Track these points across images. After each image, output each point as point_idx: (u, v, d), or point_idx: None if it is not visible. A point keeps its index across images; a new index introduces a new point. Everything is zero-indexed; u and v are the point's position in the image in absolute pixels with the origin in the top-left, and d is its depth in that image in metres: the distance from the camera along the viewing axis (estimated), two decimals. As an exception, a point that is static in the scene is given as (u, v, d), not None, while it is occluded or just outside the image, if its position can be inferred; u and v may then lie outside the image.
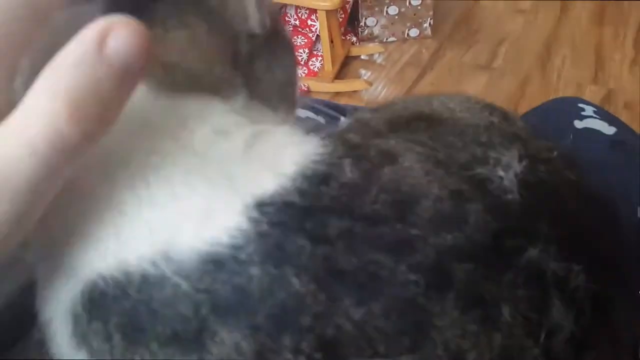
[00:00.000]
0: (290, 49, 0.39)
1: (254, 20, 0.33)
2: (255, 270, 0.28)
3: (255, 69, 0.34)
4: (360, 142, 0.35)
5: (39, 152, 0.22)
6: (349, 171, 0.31)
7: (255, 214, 0.28)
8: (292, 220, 0.29)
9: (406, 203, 0.31)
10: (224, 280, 0.28)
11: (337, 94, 2.21)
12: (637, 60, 2.27)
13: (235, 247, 0.28)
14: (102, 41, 0.22)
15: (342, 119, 0.80)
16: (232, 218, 0.28)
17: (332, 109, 0.89)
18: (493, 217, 0.31)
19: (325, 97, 2.15)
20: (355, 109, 0.87)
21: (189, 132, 0.29)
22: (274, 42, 0.36)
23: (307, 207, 0.29)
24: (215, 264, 0.28)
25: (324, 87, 2.22)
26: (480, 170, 0.34)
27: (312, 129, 0.38)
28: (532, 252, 0.31)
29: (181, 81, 0.30)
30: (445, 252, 0.30)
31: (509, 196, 0.33)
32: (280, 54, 0.37)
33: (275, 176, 0.30)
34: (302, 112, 0.84)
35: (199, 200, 0.29)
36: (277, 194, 0.29)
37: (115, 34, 0.22)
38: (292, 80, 0.37)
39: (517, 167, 0.35)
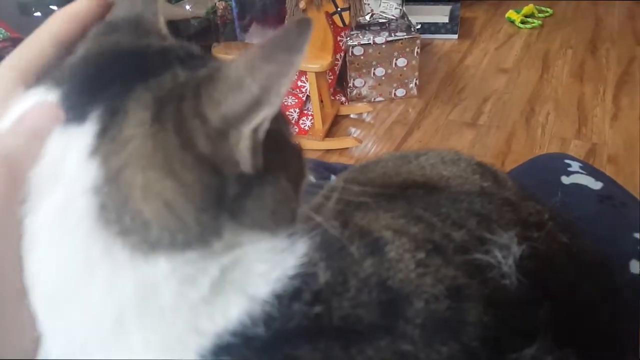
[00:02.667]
0: (296, 151, 0.36)
1: (247, 165, 0.30)
2: None
3: (245, 204, 0.30)
4: (341, 230, 0.32)
5: None
6: (322, 275, 0.29)
7: None
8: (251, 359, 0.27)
9: (394, 304, 0.28)
10: None
11: (328, 151, 2.24)
12: (618, 115, 2.33)
13: None
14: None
15: (333, 177, 0.81)
16: None
17: (322, 168, 0.89)
18: (491, 317, 0.29)
19: (316, 155, 2.18)
20: (345, 167, 0.88)
21: (155, 292, 0.28)
22: (273, 173, 0.32)
23: (273, 337, 0.27)
24: None
25: (315, 145, 2.25)
26: (478, 255, 0.32)
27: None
28: (529, 352, 0.29)
29: (160, 239, 0.28)
30: None
31: (507, 282, 0.31)
32: (275, 180, 0.32)
33: (244, 303, 0.28)
34: None
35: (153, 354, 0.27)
36: (240, 329, 0.27)
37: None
38: (289, 203, 0.33)
39: (516, 250, 0.33)
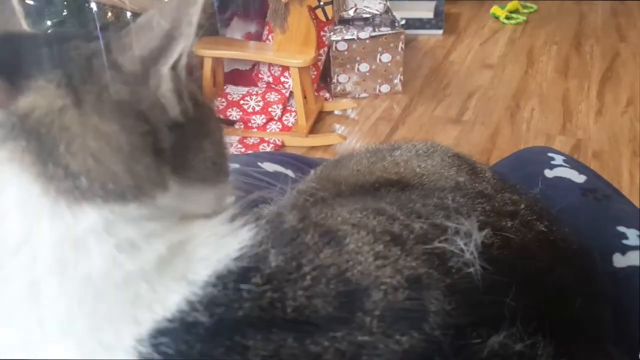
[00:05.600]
0: (213, 116, 0.36)
1: (174, 110, 0.29)
2: None
3: (187, 156, 0.30)
4: (296, 222, 0.32)
5: None
6: (273, 259, 0.28)
7: (148, 348, 0.25)
8: (195, 346, 0.25)
9: (352, 296, 0.27)
10: None
11: (312, 148, 2.21)
12: (602, 111, 2.33)
13: None
14: None
15: (312, 171, 0.79)
16: (116, 356, 0.25)
17: (301, 163, 0.88)
18: (455, 306, 0.29)
19: (300, 151, 2.15)
20: (324, 161, 0.86)
21: (84, 253, 0.25)
22: (200, 119, 0.33)
23: (219, 324, 0.26)
24: None
25: (298, 142, 2.22)
26: (438, 244, 0.31)
27: (257, 199, 0.36)
28: (496, 339, 0.29)
29: (90, 189, 0.26)
30: None
31: (471, 270, 0.31)
32: (208, 128, 0.34)
33: (185, 286, 0.27)
34: (271, 167, 0.83)
35: (74, 343, 0.25)
36: (178, 315, 0.26)
37: None
38: (223, 151, 0.35)
39: (478, 236, 0.33)
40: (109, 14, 2.17)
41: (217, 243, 0.30)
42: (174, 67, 0.29)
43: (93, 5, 2.14)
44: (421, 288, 0.29)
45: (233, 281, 0.27)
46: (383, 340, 0.27)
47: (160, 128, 0.29)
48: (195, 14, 0.28)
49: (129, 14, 2.18)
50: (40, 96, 0.27)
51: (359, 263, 0.29)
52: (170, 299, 0.27)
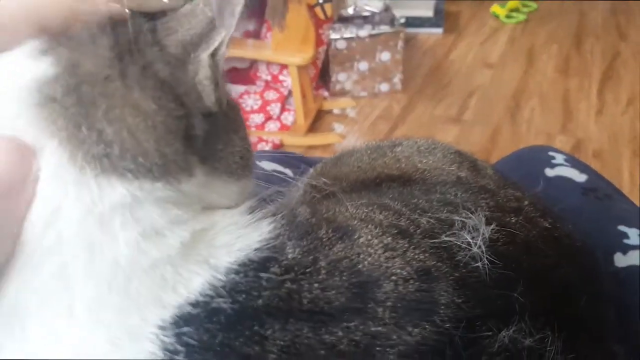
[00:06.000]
0: (240, 115, 0.37)
1: (210, 99, 0.30)
2: None
3: (216, 146, 0.32)
4: (309, 216, 0.32)
5: None
6: (290, 252, 0.29)
7: (171, 338, 0.25)
8: (217, 336, 0.26)
9: (364, 287, 0.28)
10: None
11: (311, 147, 2.20)
12: (602, 110, 2.32)
13: None
14: None
15: (311, 170, 0.78)
16: (141, 348, 0.25)
17: (299, 162, 0.87)
18: (464, 299, 0.29)
19: (298, 151, 2.14)
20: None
21: (110, 237, 0.25)
22: (231, 113, 0.34)
23: (240, 312, 0.26)
24: None
25: (297, 141, 2.21)
26: (446, 238, 0.32)
27: (270, 195, 0.38)
28: (505, 334, 0.29)
29: (121, 158, 0.26)
30: (410, 354, 0.27)
31: (479, 264, 0.31)
32: (238, 123, 0.35)
33: (207, 270, 0.27)
34: (269, 166, 0.82)
35: (103, 331, 0.25)
36: (202, 300, 0.26)
37: None
38: (249, 148, 0.36)
39: (485, 230, 0.33)
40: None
41: (238, 232, 0.30)
42: (213, 55, 0.30)
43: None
44: (431, 280, 0.29)
45: (253, 269, 0.28)
46: (396, 331, 0.27)
47: (195, 114, 0.30)
48: (238, 5, 0.29)
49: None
50: (94, 59, 0.28)
51: (369, 255, 0.30)
52: (194, 280, 0.27)
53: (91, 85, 0.27)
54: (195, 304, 0.26)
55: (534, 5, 3.38)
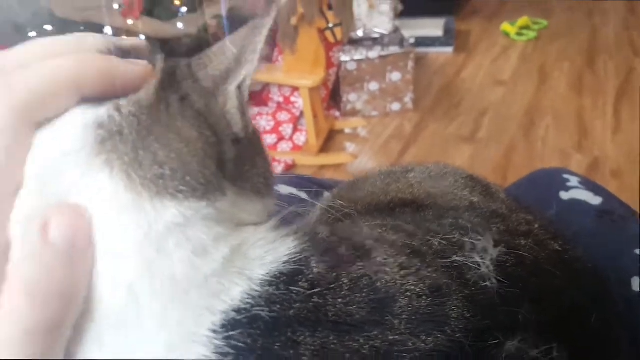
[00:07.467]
0: (261, 139, 0.40)
1: (238, 126, 0.34)
2: None
3: (243, 169, 0.35)
4: (329, 235, 0.35)
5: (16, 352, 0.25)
6: (315, 267, 0.31)
7: (221, 340, 0.28)
8: (258, 340, 0.28)
9: (383, 303, 0.30)
10: None
11: (323, 167, 2.20)
12: (619, 128, 2.29)
13: None
14: (44, 231, 0.25)
15: (326, 193, 0.78)
16: (195, 351, 0.28)
17: (314, 184, 0.88)
18: (473, 314, 0.31)
19: (311, 171, 2.14)
20: (337, 183, 0.86)
21: (166, 256, 0.28)
22: (254, 138, 0.37)
23: (276, 320, 0.29)
24: None
25: (309, 161, 2.21)
26: (456, 258, 0.34)
27: (289, 216, 0.40)
28: (511, 345, 0.31)
29: (173, 179, 0.29)
30: (425, 359, 0.29)
31: (487, 284, 0.33)
32: (260, 147, 0.39)
33: (245, 281, 0.30)
34: (285, 189, 0.83)
35: (164, 337, 0.28)
36: (244, 307, 0.29)
37: (55, 222, 0.26)
38: (271, 169, 0.40)
39: (494, 252, 0.35)
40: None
41: (267, 247, 0.33)
42: (239, 87, 0.34)
43: (108, 30, 2.17)
44: (442, 296, 0.31)
45: (284, 283, 0.30)
46: (411, 339, 0.29)
47: (225, 141, 0.33)
48: (259, 43, 0.33)
49: (142, 37, 2.20)
50: (144, 90, 0.31)
51: (386, 273, 0.32)
52: (234, 290, 0.30)
53: (143, 114, 0.30)
54: (238, 311, 0.29)
55: (544, 22, 3.38)
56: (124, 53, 0.33)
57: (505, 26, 3.31)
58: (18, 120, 0.27)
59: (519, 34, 3.25)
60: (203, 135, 0.31)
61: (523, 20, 3.31)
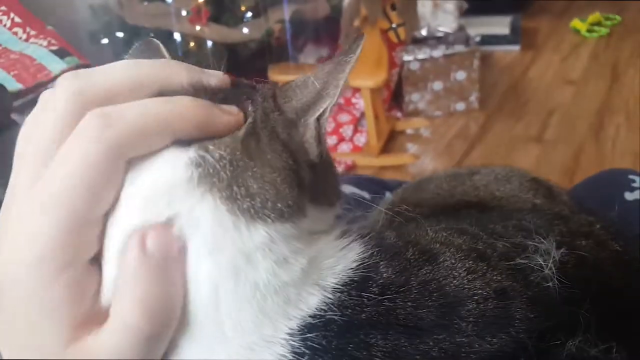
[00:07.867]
0: (330, 154, 0.43)
1: (314, 154, 0.36)
2: None
3: (319, 187, 0.37)
4: (396, 239, 0.37)
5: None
6: (385, 271, 0.33)
7: (298, 342, 0.31)
8: (333, 342, 0.31)
9: (452, 307, 0.32)
10: None
11: (383, 168, 2.20)
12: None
13: None
14: (142, 246, 0.29)
15: (387, 194, 0.80)
16: (273, 351, 0.31)
17: (376, 185, 0.89)
18: (536, 315, 0.32)
19: (371, 171, 2.14)
20: (400, 184, 0.87)
21: (253, 265, 0.31)
22: (327, 157, 0.40)
23: (349, 323, 0.31)
24: None
25: (369, 162, 2.22)
26: (520, 260, 0.35)
27: (354, 218, 0.43)
28: (572, 345, 0.32)
29: (263, 207, 0.32)
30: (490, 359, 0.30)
31: (550, 284, 0.34)
32: (330, 162, 0.41)
33: (319, 290, 0.33)
34: (347, 188, 0.85)
35: (246, 340, 0.31)
36: (319, 312, 0.32)
37: (149, 238, 0.29)
38: (338, 178, 0.43)
39: (556, 253, 0.36)
40: (192, 43, 2.29)
41: (337, 255, 0.35)
42: (318, 119, 0.36)
43: (177, 36, 2.26)
44: (507, 298, 0.32)
45: (355, 289, 0.32)
46: (477, 341, 0.31)
47: (303, 167, 0.35)
48: (342, 79, 0.35)
49: (209, 43, 2.29)
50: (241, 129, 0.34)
51: (454, 278, 0.33)
52: (310, 299, 0.32)
53: (237, 150, 0.32)
54: (313, 316, 0.32)
55: (617, 18, 3.23)
56: (212, 94, 0.35)
57: (576, 23, 3.19)
58: (113, 155, 0.29)
59: (589, 31, 3.12)
60: (288, 164, 0.33)
61: (594, 16, 3.18)
